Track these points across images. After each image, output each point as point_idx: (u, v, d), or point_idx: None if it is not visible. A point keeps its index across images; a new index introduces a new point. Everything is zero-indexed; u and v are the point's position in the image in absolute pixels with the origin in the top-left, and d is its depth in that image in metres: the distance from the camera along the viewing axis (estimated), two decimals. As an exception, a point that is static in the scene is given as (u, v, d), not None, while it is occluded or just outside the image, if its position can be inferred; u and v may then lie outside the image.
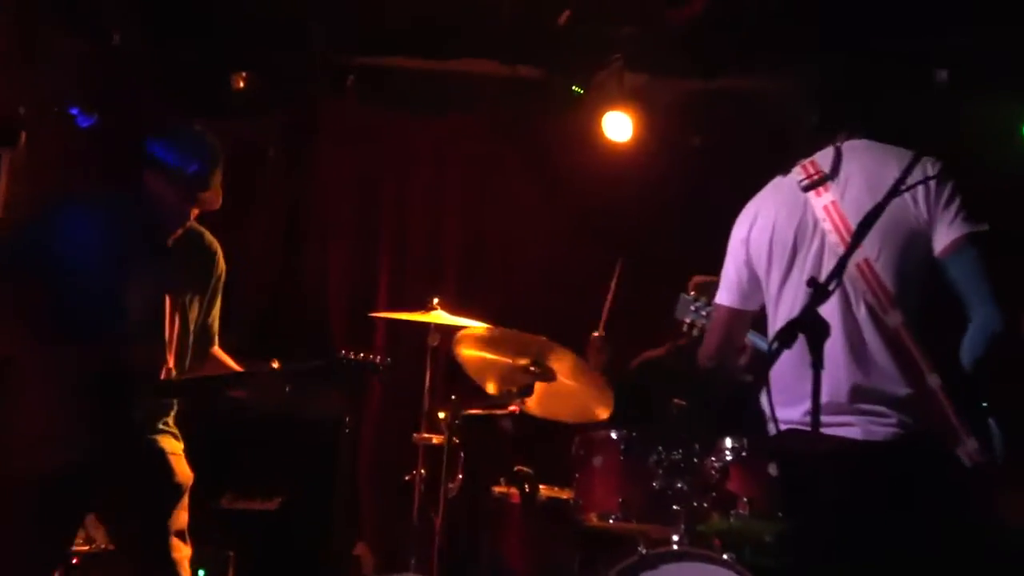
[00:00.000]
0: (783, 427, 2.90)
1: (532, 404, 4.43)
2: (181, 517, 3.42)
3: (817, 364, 2.48)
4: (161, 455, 3.41)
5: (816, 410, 2.52)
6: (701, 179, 6.07)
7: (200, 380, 3.51)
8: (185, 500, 3.44)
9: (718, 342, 3.24)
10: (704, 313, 3.64)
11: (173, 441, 3.48)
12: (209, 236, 3.56)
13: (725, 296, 3.24)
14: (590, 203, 6.19)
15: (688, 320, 3.61)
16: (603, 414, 4.33)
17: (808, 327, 2.48)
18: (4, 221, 4.73)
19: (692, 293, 3.67)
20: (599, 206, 6.17)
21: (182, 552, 3.39)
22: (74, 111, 3.26)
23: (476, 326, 4.49)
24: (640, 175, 6.08)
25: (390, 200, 6.47)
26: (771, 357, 2.49)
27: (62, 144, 5.10)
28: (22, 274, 3.32)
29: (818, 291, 2.56)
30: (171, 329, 3.39)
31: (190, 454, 3.52)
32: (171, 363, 3.38)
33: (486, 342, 4.40)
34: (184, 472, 3.45)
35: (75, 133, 4.03)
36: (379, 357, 3.53)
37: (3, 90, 5.00)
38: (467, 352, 4.46)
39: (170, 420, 3.49)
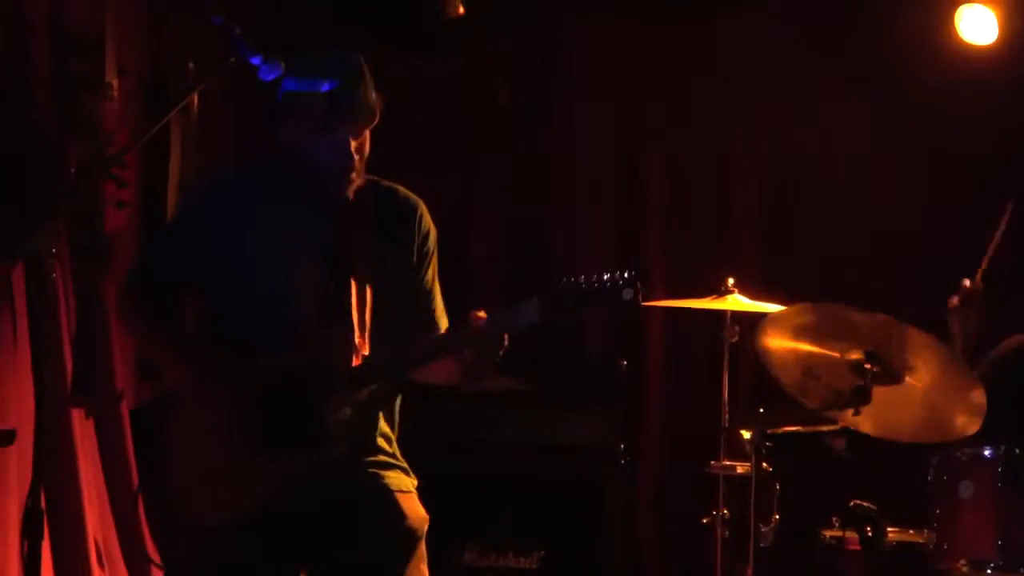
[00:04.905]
0: None
1: (862, 418, 4.47)
2: (420, 573, 3.69)
3: None
4: (386, 492, 3.69)
5: None
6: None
7: (407, 348, 3.73)
8: (423, 550, 3.72)
9: None
10: None
11: (403, 477, 3.78)
12: (405, 192, 3.92)
13: None
14: (945, 134, 6.19)
15: None
16: (968, 427, 4.37)
17: None
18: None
19: None
20: (958, 137, 6.16)
21: (425, 618, 3.75)
22: (255, 60, 3.52)
23: (785, 310, 4.60)
24: (1014, 90, 6.05)
25: (660, 147, 6.67)
26: None
27: (233, 106, 5.54)
28: (170, 281, 3.75)
29: None
30: (360, 309, 3.69)
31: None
32: (365, 349, 3.68)
33: (801, 329, 4.51)
34: (418, 514, 3.74)
35: (249, 90, 4.36)
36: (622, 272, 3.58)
37: (157, 42, 5.48)
38: (776, 344, 4.58)
39: (396, 450, 3.84)
